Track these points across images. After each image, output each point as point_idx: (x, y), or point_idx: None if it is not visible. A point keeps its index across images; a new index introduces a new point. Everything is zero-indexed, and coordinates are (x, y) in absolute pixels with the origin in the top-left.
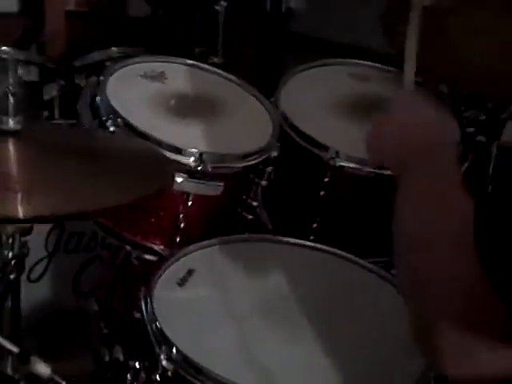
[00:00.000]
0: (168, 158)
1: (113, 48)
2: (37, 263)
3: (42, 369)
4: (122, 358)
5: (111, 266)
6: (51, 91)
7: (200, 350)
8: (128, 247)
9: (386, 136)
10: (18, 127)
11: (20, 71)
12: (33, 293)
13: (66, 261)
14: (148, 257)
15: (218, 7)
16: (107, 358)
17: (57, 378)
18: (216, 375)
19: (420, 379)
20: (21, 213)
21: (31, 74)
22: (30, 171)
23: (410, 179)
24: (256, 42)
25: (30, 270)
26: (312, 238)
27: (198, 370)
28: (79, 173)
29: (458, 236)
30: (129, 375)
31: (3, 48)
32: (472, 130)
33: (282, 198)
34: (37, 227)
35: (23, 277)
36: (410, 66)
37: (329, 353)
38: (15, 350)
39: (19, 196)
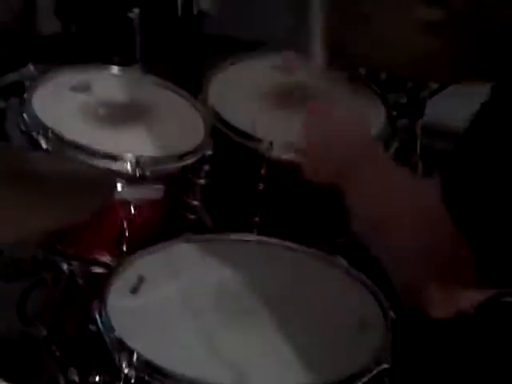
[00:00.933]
0: (106, 170)
1: (29, 66)
2: None
3: None
4: (77, 379)
5: (55, 287)
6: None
7: (161, 353)
8: (74, 263)
9: (320, 138)
10: None
11: None
12: None
13: (6, 289)
14: (97, 270)
15: (131, 14)
16: (62, 382)
17: None
18: (180, 375)
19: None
20: None
21: None
22: None
23: (358, 175)
24: (172, 47)
25: None
26: (255, 231)
27: (160, 372)
28: (13, 198)
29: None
30: None
31: None
32: (395, 113)
33: (222, 195)
34: None
35: None
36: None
37: (286, 340)
38: None
39: None
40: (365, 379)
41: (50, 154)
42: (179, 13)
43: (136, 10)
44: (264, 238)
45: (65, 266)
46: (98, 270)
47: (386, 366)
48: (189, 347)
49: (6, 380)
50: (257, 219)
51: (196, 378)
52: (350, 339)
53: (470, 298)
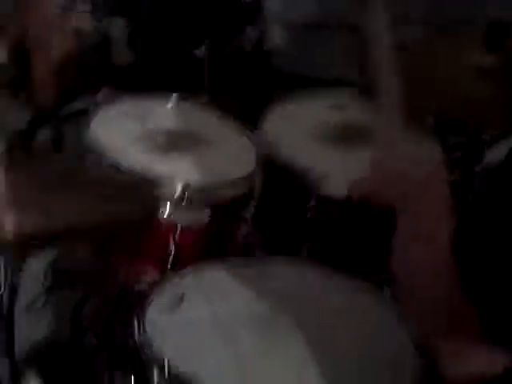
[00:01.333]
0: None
1: (99, 95)
2: (35, 299)
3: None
4: None
5: (108, 299)
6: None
7: (192, 368)
8: (123, 276)
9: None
10: None
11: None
12: (32, 329)
13: (63, 297)
14: (143, 286)
15: (197, 52)
16: None
17: None
18: None
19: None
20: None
21: (21, 123)
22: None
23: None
24: (239, 82)
25: (29, 306)
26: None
27: None
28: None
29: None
30: None
31: None
32: (459, 154)
33: (273, 224)
34: (33, 264)
35: (22, 313)
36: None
37: (315, 367)
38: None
39: None
40: None
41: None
42: (249, 48)
43: (202, 49)
44: (308, 266)
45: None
46: (144, 286)
47: None
48: (218, 366)
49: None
50: (305, 247)
51: None
52: (380, 375)
53: (483, 359)
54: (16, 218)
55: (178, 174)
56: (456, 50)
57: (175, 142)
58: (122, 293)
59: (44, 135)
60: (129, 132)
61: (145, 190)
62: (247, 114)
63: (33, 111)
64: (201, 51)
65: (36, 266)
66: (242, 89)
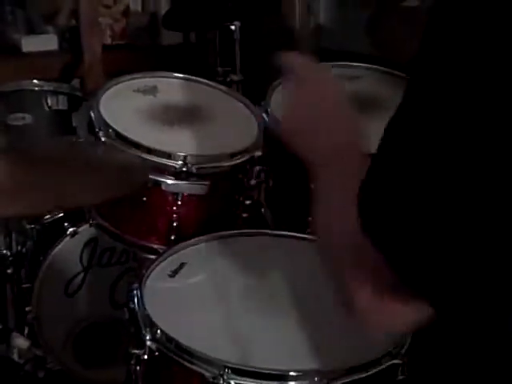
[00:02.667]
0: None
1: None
2: (73, 278)
3: (21, 342)
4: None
5: (137, 275)
6: (80, 118)
7: (183, 330)
8: (131, 248)
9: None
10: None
11: (49, 101)
12: (71, 306)
13: (100, 275)
14: (149, 256)
15: (232, 26)
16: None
17: (36, 352)
18: (197, 351)
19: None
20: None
21: (60, 104)
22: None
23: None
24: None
25: (67, 285)
26: (309, 230)
27: (179, 346)
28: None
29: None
30: (132, 361)
31: (34, 81)
32: None
33: (280, 196)
34: (72, 242)
35: (61, 292)
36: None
37: (305, 327)
38: None
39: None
40: (374, 371)
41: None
42: (297, 26)
43: (237, 23)
44: (308, 236)
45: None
46: (151, 256)
47: (397, 361)
48: (208, 327)
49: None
50: (310, 218)
51: (206, 354)
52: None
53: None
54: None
55: (181, 146)
56: None
57: (180, 116)
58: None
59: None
60: (135, 107)
61: (149, 162)
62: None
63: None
64: (235, 26)
65: (72, 246)
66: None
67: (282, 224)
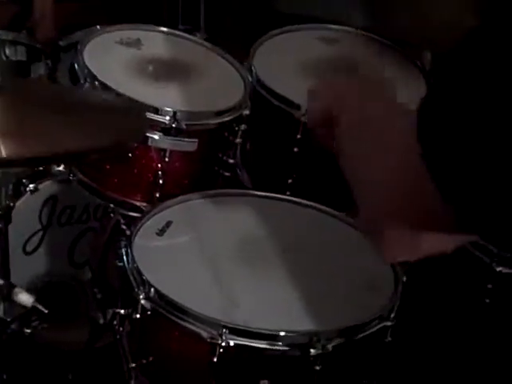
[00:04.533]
0: (142, 112)
1: (96, 26)
2: (32, 236)
3: (25, 298)
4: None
5: (102, 235)
6: (39, 70)
7: (177, 289)
8: (112, 205)
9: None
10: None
11: (8, 51)
12: (29, 265)
13: (60, 233)
14: (131, 213)
15: None
16: (102, 322)
17: (40, 307)
18: (194, 311)
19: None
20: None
21: (19, 55)
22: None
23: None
24: (239, 20)
25: (26, 243)
26: (288, 193)
27: (174, 306)
28: (55, 122)
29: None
30: (115, 321)
31: None
32: None
33: (259, 157)
34: (32, 199)
35: (19, 250)
36: None
37: (293, 287)
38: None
39: None
40: (365, 333)
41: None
42: None
43: None
44: (292, 198)
45: (111, 214)
46: (133, 213)
47: (388, 323)
48: (201, 288)
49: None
50: (290, 181)
51: (200, 313)
52: (358, 295)
53: (432, 248)
54: (12, 144)
55: (168, 102)
56: None
57: (166, 71)
58: (116, 223)
59: (40, 68)
60: (120, 59)
61: (135, 116)
62: (240, 46)
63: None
64: None
65: (32, 202)
66: (242, 29)
67: (260, 185)
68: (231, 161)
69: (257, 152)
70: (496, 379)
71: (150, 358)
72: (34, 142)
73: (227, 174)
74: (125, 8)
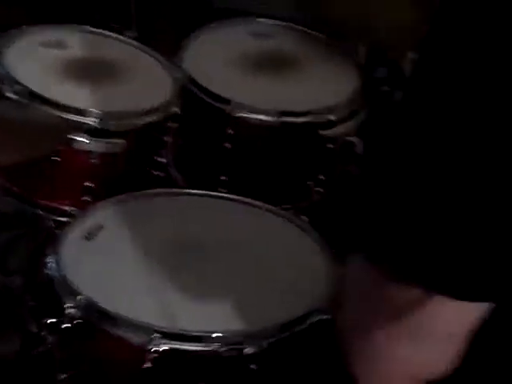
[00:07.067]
0: (63, 118)
1: (19, 27)
2: None
3: None
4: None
5: (33, 242)
6: None
7: (105, 295)
8: (42, 212)
9: None
10: None
11: None
12: None
13: None
14: (62, 219)
15: None
16: (34, 331)
17: None
18: (124, 317)
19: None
20: None
21: None
22: None
23: None
24: (173, 16)
25: None
26: (222, 190)
27: (102, 312)
28: None
29: None
30: (43, 332)
31: None
32: (387, 88)
33: (191, 155)
34: None
35: None
36: None
37: (232, 288)
38: None
39: None
40: (300, 328)
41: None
42: None
43: None
44: (227, 195)
45: (44, 220)
46: (65, 219)
47: (324, 317)
48: (131, 291)
49: None
50: (224, 178)
51: (130, 318)
52: (293, 291)
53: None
54: None
55: (93, 103)
56: None
57: (91, 72)
58: (48, 230)
59: None
60: (43, 62)
61: (59, 120)
62: (173, 43)
63: None
64: None
65: None
66: (175, 26)
67: (194, 184)
68: (163, 160)
69: (189, 150)
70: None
71: (82, 368)
72: None
73: (160, 173)
74: (53, 6)
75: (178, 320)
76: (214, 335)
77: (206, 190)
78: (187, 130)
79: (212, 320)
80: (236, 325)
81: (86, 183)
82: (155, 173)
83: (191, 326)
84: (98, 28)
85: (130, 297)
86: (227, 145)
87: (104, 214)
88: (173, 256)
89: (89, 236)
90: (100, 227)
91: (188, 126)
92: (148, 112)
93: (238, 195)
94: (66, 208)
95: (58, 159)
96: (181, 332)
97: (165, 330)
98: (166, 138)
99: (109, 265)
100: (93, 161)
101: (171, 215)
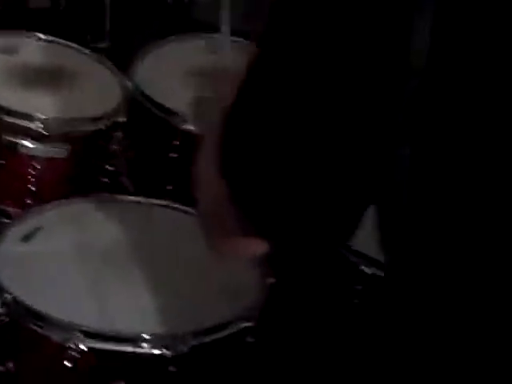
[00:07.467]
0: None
1: None
2: None
3: None
4: None
5: None
6: None
7: (34, 295)
8: None
9: None
10: None
11: None
12: None
13: None
14: (6, 220)
15: None
16: None
17: None
18: (47, 315)
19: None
20: None
21: None
22: None
23: None
24: (147, 28)
25: None
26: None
27: (28, 311)
28: None
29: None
30: None
31: None
32: None
33: (139, 164)
34: None
35: None
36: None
37: (161, 293)
38: None
39: None
40: (223, 334)
41: None
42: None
43: None
44: (169, 203)
45: None
46: (7, 220)
47: (247, 324)
48: (63, 292)
49: None
50: (170, 187)
51: (52, 316)
52: (219, 297)
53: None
54: None
55: (41, 108)
56: None
57: (39, 78)
58: None
59: None
60: None
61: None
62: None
63: None
64: None
65: None
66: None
67: (142, 193)
68: (109, 167)
69: (138, 159)
70: (366, 379)
71: (10, 366)
72: None
73: (107, 180)
74: (38, 18)
75: (107, 321)
76: (133, 336)
77: (153, 198)
78: (136, 139)
79: (140, 322)
80: (161, 328)
81: (30, 186)
82: (103, 179)
83: (118, 326)
84: (72, 39)
85: (60, 297)
86: (173, 155)
87: (44, 217)
88: (107, 260)
89: (26, 238)
90: (38, 229)
91: (137, 135)
92: (94, 119)
93: (183, 205)
94: (9, 209)
95: (3, 162)
96: (101, 332)
97: (87, 329)
98: (112, 146)
99: (41, 266)
100: (37, 165)
101: (110, 221)
